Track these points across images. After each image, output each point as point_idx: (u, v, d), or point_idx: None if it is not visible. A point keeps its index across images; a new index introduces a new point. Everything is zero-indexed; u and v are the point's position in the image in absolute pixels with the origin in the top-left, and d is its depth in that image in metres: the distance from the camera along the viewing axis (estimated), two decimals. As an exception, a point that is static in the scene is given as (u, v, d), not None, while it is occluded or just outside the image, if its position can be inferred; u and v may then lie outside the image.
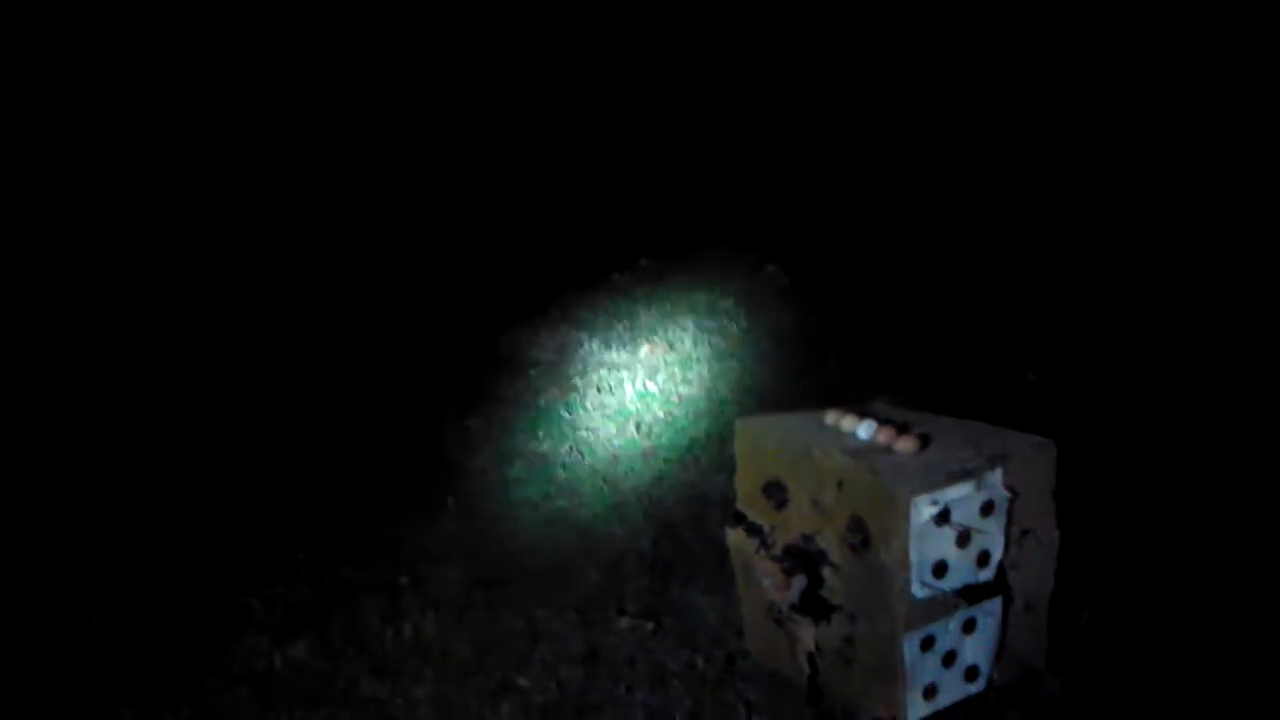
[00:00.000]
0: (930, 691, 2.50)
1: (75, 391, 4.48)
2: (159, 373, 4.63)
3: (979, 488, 2.44)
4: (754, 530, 2.71)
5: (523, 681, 2.75)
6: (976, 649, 2.54)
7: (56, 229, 5.42)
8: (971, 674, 2.55)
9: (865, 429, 2.59)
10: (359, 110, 6.53)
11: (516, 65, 6.86)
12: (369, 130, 6.52)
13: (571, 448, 3.94)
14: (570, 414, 4.19)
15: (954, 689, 2.54)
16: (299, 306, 5.25)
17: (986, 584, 2.51)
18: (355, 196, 6.15)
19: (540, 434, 4.05)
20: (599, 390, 4.36)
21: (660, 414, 4.14)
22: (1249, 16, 6.03)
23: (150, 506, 3.67)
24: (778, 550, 2.65)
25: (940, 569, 2.43)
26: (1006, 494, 2.47)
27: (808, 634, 2.60)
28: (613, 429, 4.05)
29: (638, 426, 4.05)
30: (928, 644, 2.46)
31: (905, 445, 2.52)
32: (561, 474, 3.78)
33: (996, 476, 2.46)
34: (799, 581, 2.60)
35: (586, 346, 4.72)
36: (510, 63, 6.87)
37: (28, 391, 4.43)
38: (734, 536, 2.76)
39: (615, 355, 4.64)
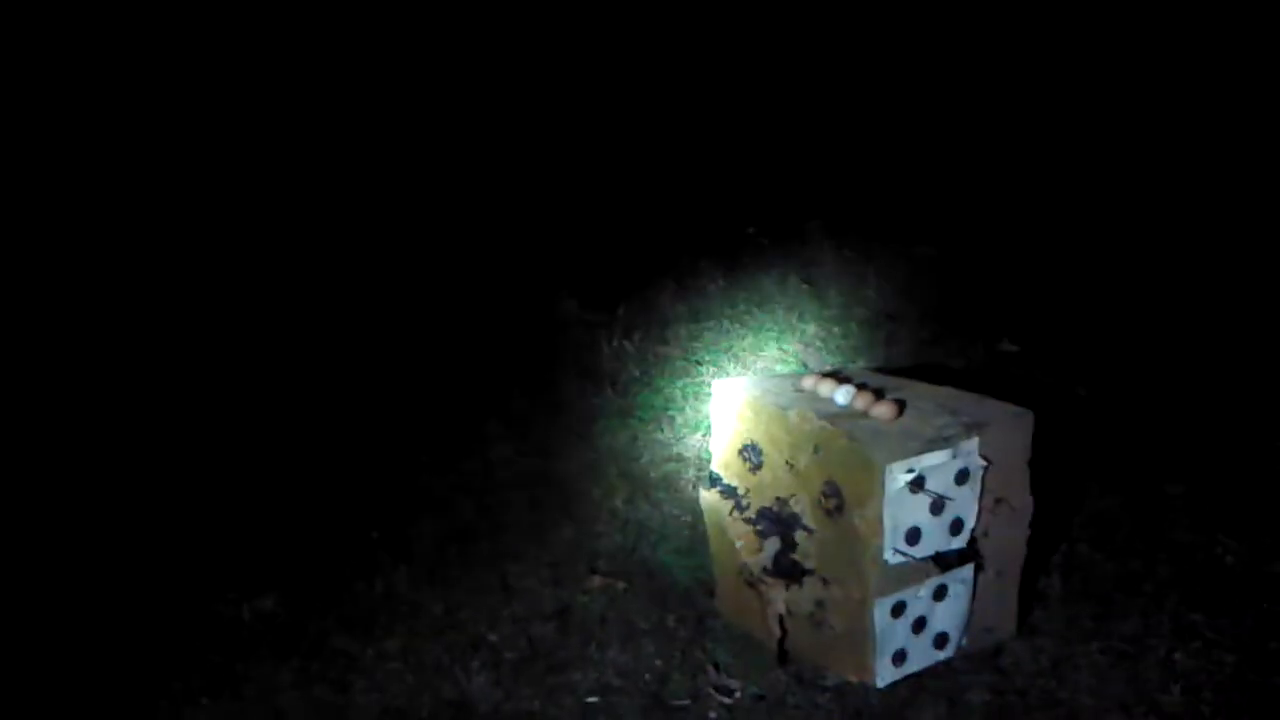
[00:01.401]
0: (899, 657, 2.51)
1: (55, 359, 4.43)
2: (129, 333, 4.58)
3: (954, 455, 2.44)
4: (728, 492, 2.71)
5: (493, 637, 2.74)
6: (947, 616, 2.55)
7: (53, 223, 5.37)
8: (941, 641, 2.56)
9: (843, 394, 2.59)
10: (354, 92, 6.49)
11: (508, 46, 6.83)
12: (352, 109, 6.48)
13: (547, 405, 3.93)
14: (546, 371, 4.17)
15: (923, 655, 2.55)
16: (271, 267, 5.20)
17: (959, 551, 2.52)
18: (343, 167, 6.11)
19: (515, 391, 4.03)
20: (575, 348, 4.34)
21: (636, 373, 4.13)
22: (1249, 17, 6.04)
23: (119, 461, 3.64)
24: (752, 513, 2.65)
25: (913, 535, 2.43)
26: (982, 462, 2.47)
27: (779, 597, 2.60)
28: (589, 387, 4.04)
29: (613, 385, 4.04)
30: (898, 610, 2.47)
31: (882, 411, 2.52)
32: (536, 431, 3.77)
33: (972, 444, 2.46)
34: (772, 544, 2.61)
35: (564, 304, 4.70)
36: (501, 44, 6.84)
37: (19, 354, 4.38)
38: (708, 498, 2.75)
39: (592, 313, 4.61)
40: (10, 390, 4.03)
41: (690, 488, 3.35)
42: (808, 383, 2.68)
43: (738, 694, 2.54)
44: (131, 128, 5.91)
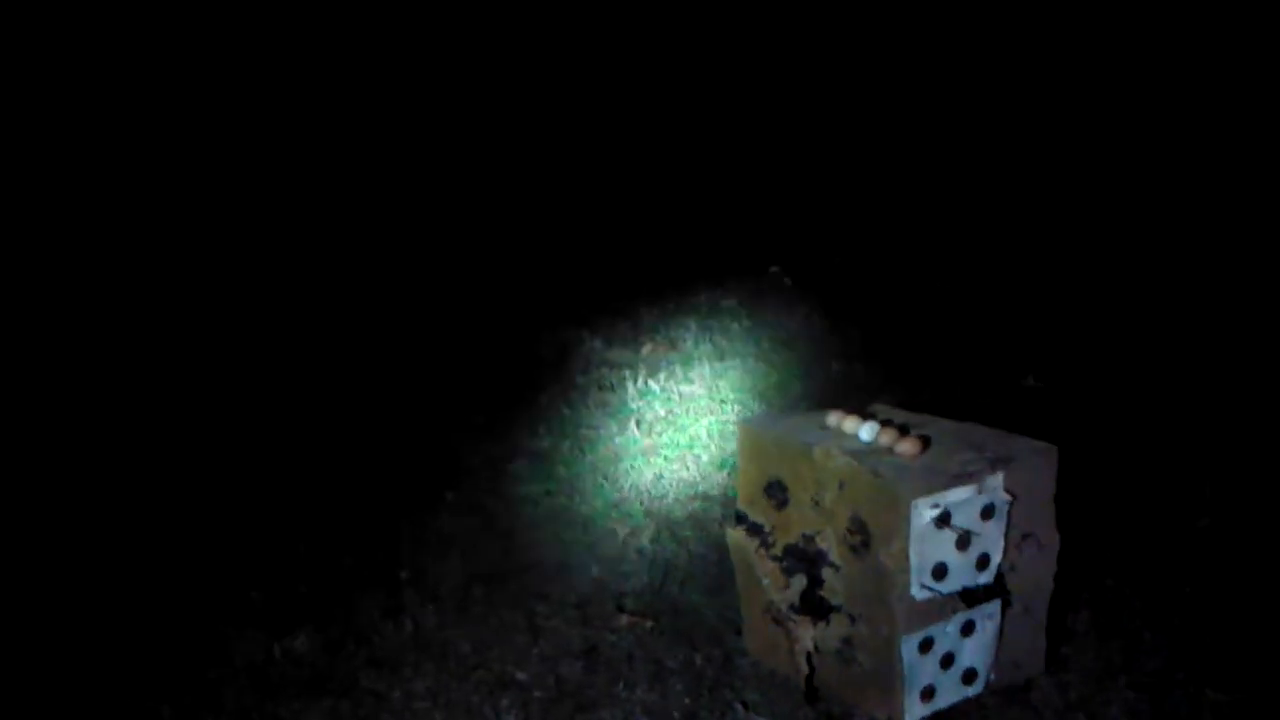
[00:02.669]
0: (928, 693, 2.51)
1: (77, 380, 4.48)
2: (162, 365, 4.64)
3: (980, 491, 2.45)
4: (754, 530, 2.72)
5: (521, 676, 2.75)
6: (975, 652, 2.54)
7: (54, 225, 5.44)
8: (969, 676, 2.56)
9: (867, 430, 2.60)
10: (353, 105, 6.56)
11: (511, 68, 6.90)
12: (367, 127, 6.54)
13: (572, 444, 3.95)
14: (571, 410, 4.20)
15: (952, 691, 2.54)
16: (302, 300, 5.26)
17: (986, 587, 2.52)
18: (361, 196, 6.17)
19: (541, 430, 4.05)
20: (600, 387, 4.37)
21: (661, 412, 4.15)
22: (1249, 16, 6.05)
23: (152, 498, 3.68)
24: (778, 550, 2.66)
25: (940, 571, 2.43)
26: (1007, 498, 2.48)
27: (806, 634, 2.61)
28: (614, 426, 4.06)
29: (638, 424, 4.06)
30: (926, 646, 2.47)
31: (907, 447, 2.53)
32: (562, 470, 3.79)
33: (998, 480, 2.47)
34: (798, 581, 2.61)
35: (589, 344, 4.73)
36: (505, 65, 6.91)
37: (32, 381, 4.44)
38: (734, 535, 2.76)
39: (617, 353, 4.64)
40: (36, 423, 4.09)
41: (716, 526, 3.36)
42: (832, 419, 2.69)
43: (766, 732, 2.55)
44: (131, 129, 5.97)
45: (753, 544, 2.71)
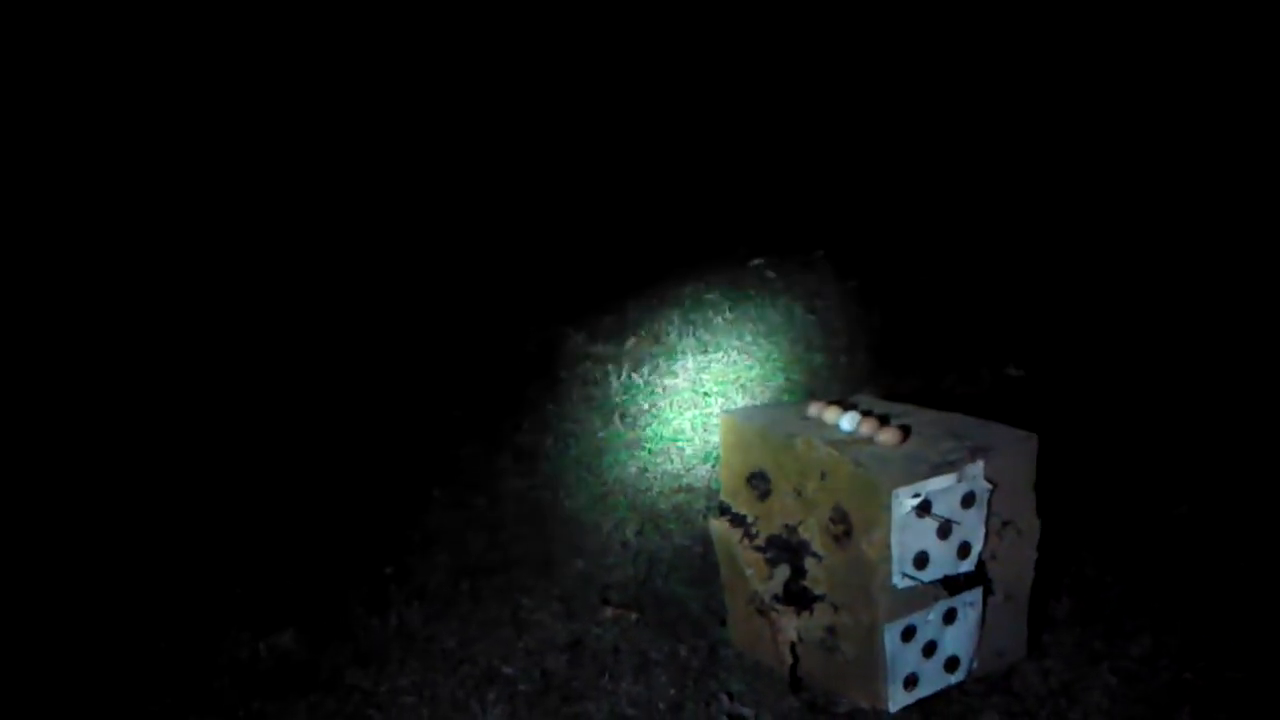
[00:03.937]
0: (911, 681, 2.53)
1: (65, 377, 4.47)
2: (148, 363, 4.63)
3: (960, 479, 2.46)
4: (738, 521, 2.73)
5: (507, 670, 2.76)
6: (957, 639, 2.56)
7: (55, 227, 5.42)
8: (952, 664, 2.57)
9: (848, 421, 2.61)
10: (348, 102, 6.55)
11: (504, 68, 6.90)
12: (361, 125, 6.54)
13: (557, 439, 3.96)
14: (556, 405, 4.21)
15: (934, 679, 2.56)
16: (287, 298, 5.26)
17: (967, 575, 2.54)
18: (347, 194, 6.16)
19: (526, 425, 4.06)
20: (585, 382, 4.37)
21: (645, 405, 4.15)
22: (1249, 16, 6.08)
23: (137, 496, 3.67)
24: (761, 541, 2.67)
25: (921, 560, 2.45)
26: (987, 486, 2.49)
27: (790, 624, 2.62)
28: (598, 420, 4.06)
29: (622, 418, 4.07)
30: (908, 634, 2.48)
31: (887, 437, 2.54)
32: (547, 465, 3.80)
33: (978, 468, 2.48)
34: (781, 572, 2.62)
35: (573, 338, 4.73)
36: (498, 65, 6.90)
37: (19, 377, 4.43)
38: (718, 527, 2.77)
39: (601, 347, 4.65)
40: (30, 425, 4.07)
41: (700, 518, 3.37)
42: (813, 410, 2.70)
43: (751, 722, 2.56)
44: (126, 129, 5.95)
45: (736, 535, 2.72)
